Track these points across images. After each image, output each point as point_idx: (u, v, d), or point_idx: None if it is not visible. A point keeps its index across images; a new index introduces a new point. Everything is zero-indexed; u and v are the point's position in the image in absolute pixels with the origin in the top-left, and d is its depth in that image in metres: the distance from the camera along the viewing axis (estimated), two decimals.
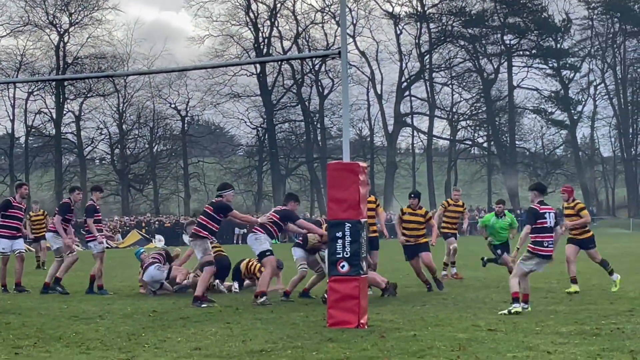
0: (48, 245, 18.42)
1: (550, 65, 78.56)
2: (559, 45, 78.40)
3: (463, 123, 79.21)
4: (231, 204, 13.86)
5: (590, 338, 9.34)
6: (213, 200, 14.20)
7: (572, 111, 78.58)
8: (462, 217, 19.42)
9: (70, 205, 15.63)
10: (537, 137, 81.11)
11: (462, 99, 77.95)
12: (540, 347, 8.72)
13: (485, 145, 79.90)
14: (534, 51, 78.08)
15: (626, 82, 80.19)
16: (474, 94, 77.99)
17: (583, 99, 79.88)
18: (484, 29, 76.49)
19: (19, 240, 16.08)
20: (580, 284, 14.88)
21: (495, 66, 78.00)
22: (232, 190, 14.25)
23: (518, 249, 12.49)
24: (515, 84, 77.91)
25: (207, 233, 13.42)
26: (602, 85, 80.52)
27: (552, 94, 78.76)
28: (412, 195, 15.77)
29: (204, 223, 13.46)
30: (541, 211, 11.91)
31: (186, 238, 15.63)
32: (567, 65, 78.99)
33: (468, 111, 78.48)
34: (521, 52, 78.75)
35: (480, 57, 77.29)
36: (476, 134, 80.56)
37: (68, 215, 15.55)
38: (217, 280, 15.34)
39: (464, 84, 77.67)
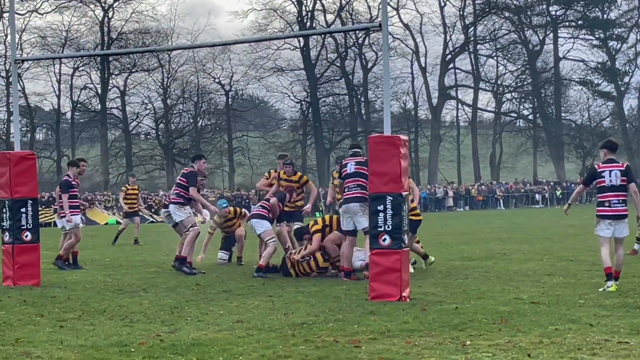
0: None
1: (597, 36, 77.13)
2: (605, 16, 76.97)
3: (508, 95, 78.64)
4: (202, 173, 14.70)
5: (633, 311, 9.24)
6: (184, 170, 14.94)
7: (619, 82, 77.15)
8: None
9: (71, 180, 15.47)
10: (584, 109, 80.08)
11: (507, 71, 77.25)
12: (583, 319, 8.68)
13: (530, 117, 79.20)
14: (580, 22, 77.08)
15: None
16: (519, 66, 77.19)
17: (630, 70, 78.19)
18: (529, 0, 75.28)
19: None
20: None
21: (541, 37, 76.97)
22: (204, 160, 14.95)
23: (569, 204, 12.26)
24: (561, 55, 77.07)
25: (181, 201, 14.19)
26: None
27: (599, 66, 77.49)
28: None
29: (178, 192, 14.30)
30: (599, 170, 11.27)
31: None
32: (614, 36, 77.45)
33: (513, 83, 77.81)
34: (567, 23, 77.72)
35: (526, 29, 76.26)
36: (521, 107, 80.00)
37: (72, 191, 15.39)
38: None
39: (509, 55, 76.84)
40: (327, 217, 14.01)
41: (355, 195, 12.51)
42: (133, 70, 69.56)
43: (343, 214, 12.82)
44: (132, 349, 7.41)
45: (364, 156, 12.97)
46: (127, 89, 70.67)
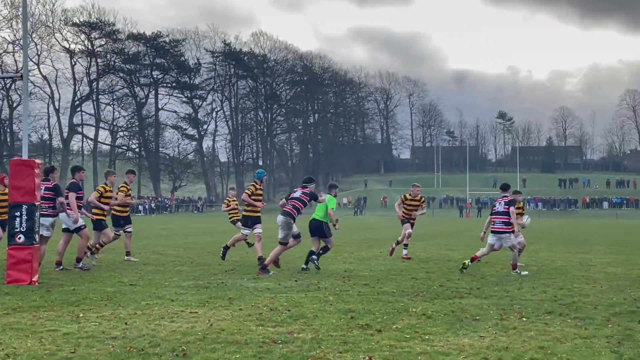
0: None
1: (186, 95, 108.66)
2: (191, 81, 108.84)
3: (121, 133, 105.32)
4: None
5: (202, 289, 11.84)
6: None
7: (200, 128, 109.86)
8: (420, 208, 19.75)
9: (78, 182, 15.42)
10: (175, 146, 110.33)
11: (120, 116, 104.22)
12: (167, 296, 10.94)
13: (137, 150, 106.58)
14: (174, 84, 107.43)
15: (238, 110, 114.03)
16: (130, 112, 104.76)
17: (208, 120, 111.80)
18: (138, 66, 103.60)
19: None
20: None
21: (146, 93, 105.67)
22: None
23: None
24: (160, 106, 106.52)
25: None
26: (222, 111, 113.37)
27: (187, 116, 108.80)
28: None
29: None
30: (496, 201, 15.51)
31: None
32: (197, 96, 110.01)
33: (125, 124, 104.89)
34: (165, 84, 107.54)
35: (135, 86, 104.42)
36: (130, 142, 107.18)
37: (79, 193, 15.29)
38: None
39: (122, 104, 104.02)
40: None
41: (286, 210, 15.13)
42: None
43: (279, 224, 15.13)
44: None
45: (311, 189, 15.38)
46: None
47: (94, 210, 16.30)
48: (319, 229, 15.74)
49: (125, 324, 8.63)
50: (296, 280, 13.51)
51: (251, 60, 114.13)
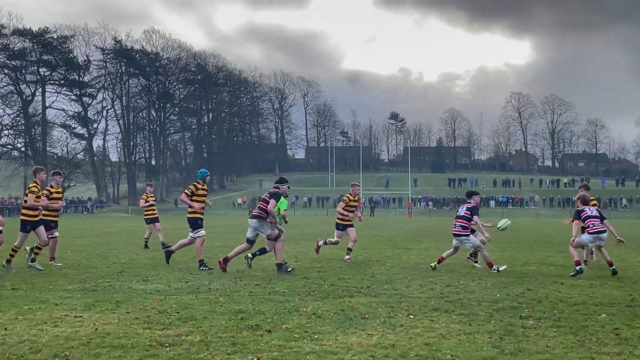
0: None
1: (75, 92, 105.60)
2: (81, 78, 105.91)
3: (6, 132, 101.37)
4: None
5: (89, 293, 11.52)
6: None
7: (90, 127, 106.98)
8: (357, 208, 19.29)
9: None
10: (64, 145, 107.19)
11: (5, 114, 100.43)
12: (51, 300, 10.53)
13: (23, 149, 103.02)
14: (62, 81, 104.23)
15: (129, 109, 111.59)
16: (15, 110, 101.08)
17: (98, 119, 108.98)
18: (24, 62, 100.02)
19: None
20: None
21: (33, 90, 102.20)
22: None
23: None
24: (47, 104, 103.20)
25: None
26: (112, 109, 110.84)
27: (76, 114, 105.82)
28: None
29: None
30: (460, 207, 16.23)
31: None
32: (87, 94, 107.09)
33: (10, 123, 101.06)
34: (53, 82, 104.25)
35: (21, 83, 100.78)
36: (16, 141, 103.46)
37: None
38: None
39: (7, 102, 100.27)
40: None
41: (255, 213, 15.37)
42: None
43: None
44: None
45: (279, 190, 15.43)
46: None
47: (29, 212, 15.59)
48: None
49: (5, 329, 8.31)
50: (187, 282, 13.31)
51: (143, 58, 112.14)
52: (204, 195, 16.45)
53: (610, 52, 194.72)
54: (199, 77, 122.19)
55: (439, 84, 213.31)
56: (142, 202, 23.42)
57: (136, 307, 10.12)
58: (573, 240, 15.24)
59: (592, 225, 15.21)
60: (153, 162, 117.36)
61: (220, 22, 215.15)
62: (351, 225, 18.79)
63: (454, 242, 16.10)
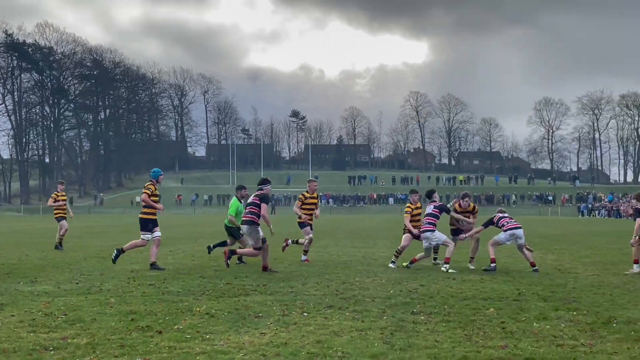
0: None
1: None
2: None
3: None
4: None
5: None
6: None
7: None
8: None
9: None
10: None
11: None
12: None
13: None
14: None
15: (21, 105, 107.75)
16: None
17: None
18: None
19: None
20: None
21: None
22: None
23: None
24: None
25: None
26: (3, 105, 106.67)
27: None
28: None
29: None
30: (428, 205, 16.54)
31: None
32: None
33: None
34: None
35: None
36: None
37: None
38: None
39: None
40: None
41: (245, 218, 15.01)
42: None
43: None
44: None
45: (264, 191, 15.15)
46: None
47: None
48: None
49: None
50: (77, 283, 12.94)
51: (36, 52, 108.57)
52: (157, 196, 16.17)
53: (504, 53, 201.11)
54: (95, 73, 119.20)
55: (339, 82, 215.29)
56: (50, 201, 22.62)
57: (22, 309, 9.76)
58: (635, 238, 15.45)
59: (506, 224, 15.77)
60: (47, 160, 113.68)
61: (118, 16, 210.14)
62: (308, 225, 17.87)
63: (424, 244, 16.28)
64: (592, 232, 36.17)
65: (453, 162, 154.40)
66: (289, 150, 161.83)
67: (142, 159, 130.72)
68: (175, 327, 8.47)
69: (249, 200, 15.36)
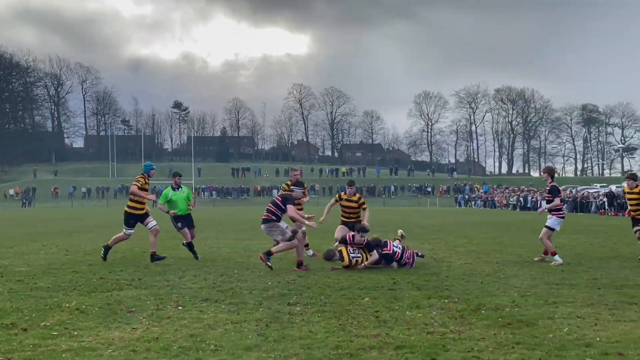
0: None
1: None
2: None
3: None
4: None
5: None
6: None
7: None
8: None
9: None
10: None
11: None
12: None
13: None
14: None
15: None
16: None
17: None
18: None
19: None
20: None
21: None
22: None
23: None
24: None
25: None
26: None
27: None
28: None
29: None
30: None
31: None
32: None
33: None
34: None
35: None
36: None
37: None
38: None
39: None
40: None
41: (263, 217, 14.35)
42: None
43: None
44: None
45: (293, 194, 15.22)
46: None
47: None
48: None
49: None
50: None
51: None
52: (146, 190, 15.76)
53: (386, 46, 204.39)
54: None
55: (223, 73, 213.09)
56: None
57: None
58: None
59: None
60: None
61: None
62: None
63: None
64: (468, 222, 37.35)
65: (336, 154, 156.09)
66: (172, 141, 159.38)
67: (17, 150, 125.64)
68: (42, 324, 8.15)
69: (273, 199, 14.73)
